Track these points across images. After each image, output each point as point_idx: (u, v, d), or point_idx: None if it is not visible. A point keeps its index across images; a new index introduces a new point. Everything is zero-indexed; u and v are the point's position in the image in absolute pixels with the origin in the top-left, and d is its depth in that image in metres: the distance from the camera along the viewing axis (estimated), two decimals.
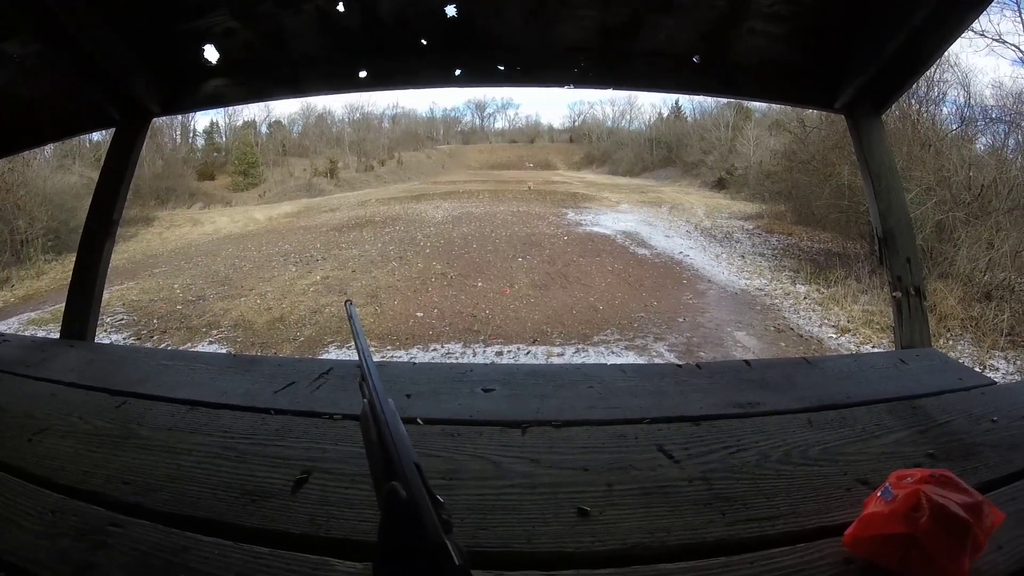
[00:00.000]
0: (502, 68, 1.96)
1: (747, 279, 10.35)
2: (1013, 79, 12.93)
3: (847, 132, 2.02)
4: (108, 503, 0.89)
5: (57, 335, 1.87)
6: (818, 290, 9.41)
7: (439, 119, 59.32)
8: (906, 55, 1.66)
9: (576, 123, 59.29)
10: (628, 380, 1.35)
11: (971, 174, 9.15)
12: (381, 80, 2.00)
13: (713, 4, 1.74)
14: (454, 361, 6.57)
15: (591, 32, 1.86)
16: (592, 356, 6.88)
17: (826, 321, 8.06)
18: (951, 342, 7.10)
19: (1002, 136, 10.54)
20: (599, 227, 15.56)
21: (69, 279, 1.89)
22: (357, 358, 0.71)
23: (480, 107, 60.60)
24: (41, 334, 6.95)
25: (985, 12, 7.76)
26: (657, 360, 6.61)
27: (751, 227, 15.40)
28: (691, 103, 41.94)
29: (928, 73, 9.45)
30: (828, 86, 1.87)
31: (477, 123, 61.38)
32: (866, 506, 0.78)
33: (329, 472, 0.97)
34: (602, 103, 66.04)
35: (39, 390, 1.32)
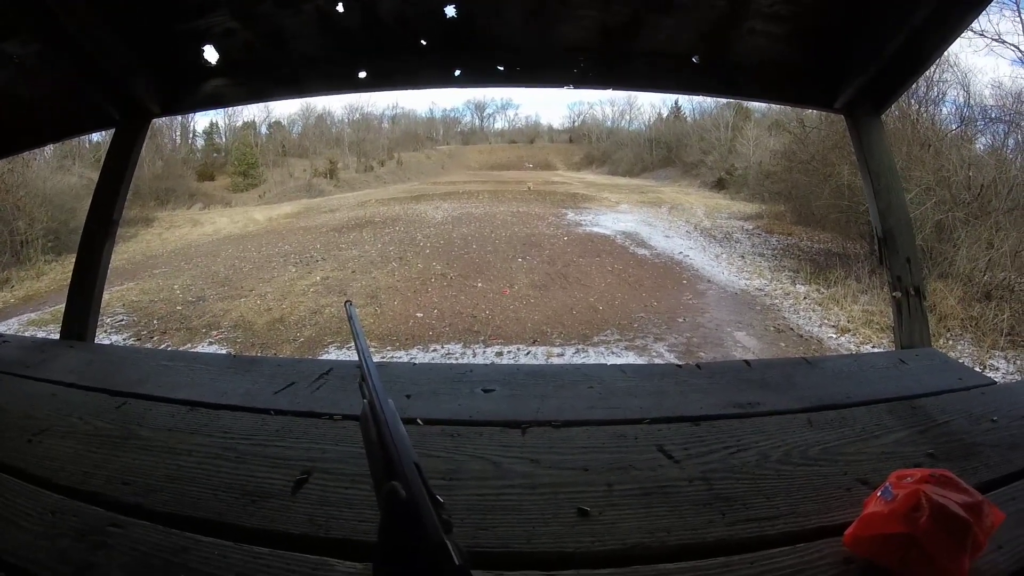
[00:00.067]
0: (502, 68, 1.96)
1: (747, 279, 10.34)
2: (1012, 79, 12.91)
3: (847, 132, 2.02)
4: (108, 503, 0.89)
5: (57, 336, 1.88)
6: (818, 290, 9.41)
7: (439, 119, 59.26)
8: (906, 55, 1.66)
9: (576, 123, 59.27)
10: (628, 380, 1.35)
11: (971, 174, 9.14)
12: (381, 80, 2.00)
13: (713, 4, 1.74)
14: (454, 361, 6.57)
15: (591, 32, 1.86)
16: (592, 356, 6.87)
17: (826, 321, 8.05)
18: (951, 342, 7.10)
19: (1002, 136, 10.56)
20: (599, 227, 15.53)
21: (69, 280, 1.89)
22: (357, 358, 0.71)
23: (480, 107, 60.58)
24: (41, 335, 6.95)
25: (985, 12, 7.77)
26: (657, 360, 6.60)
27: (751, 227, 15.39)
28: (691, 103, 41.93)
29: (928, 73, 9.46)
30: (828, 86, 1.87)
31: (477, 123, 61.33)
32: (866, 506, 0.78)
33: (329, 472, 0.97)
34: (602, 103, 66.30)
35: (39, 391, 1.32)
